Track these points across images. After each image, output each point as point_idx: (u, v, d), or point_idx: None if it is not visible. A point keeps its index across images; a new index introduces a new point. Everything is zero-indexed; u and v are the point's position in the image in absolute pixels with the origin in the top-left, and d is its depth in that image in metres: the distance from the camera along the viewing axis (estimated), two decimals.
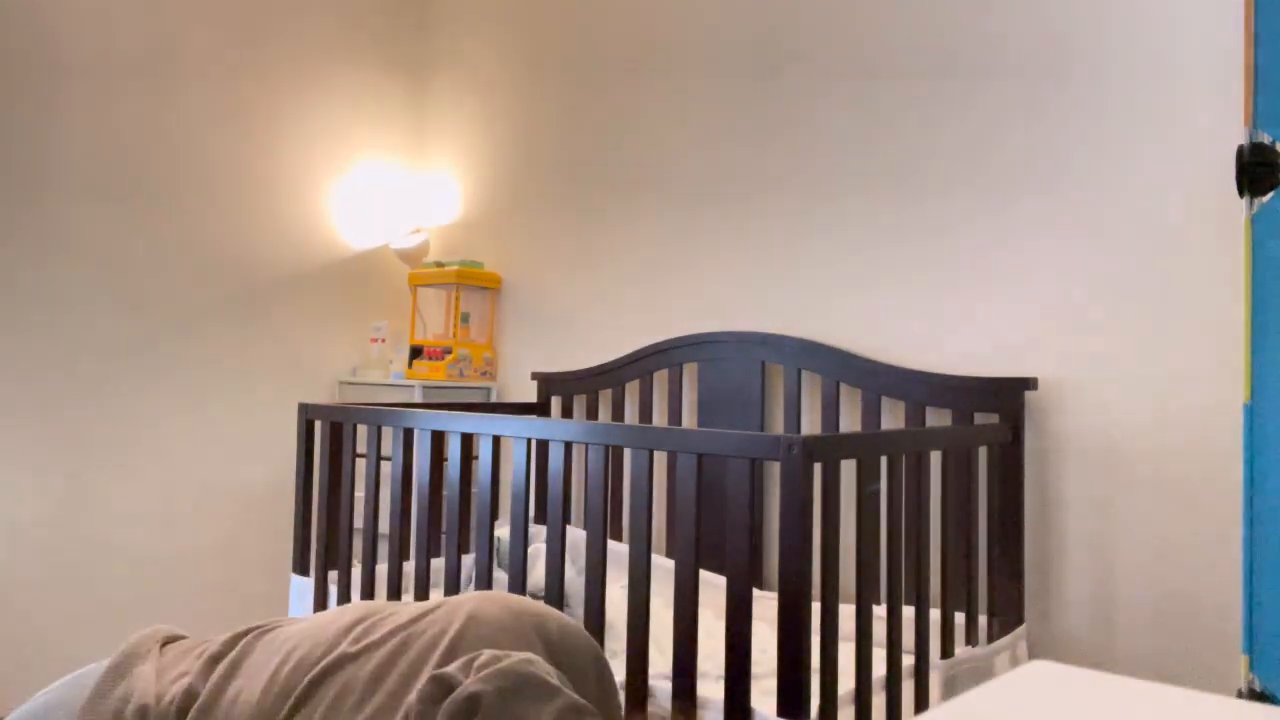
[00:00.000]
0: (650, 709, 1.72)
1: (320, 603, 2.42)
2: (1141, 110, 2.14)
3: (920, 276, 2.45)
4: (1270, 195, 1.23)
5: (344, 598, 2.33)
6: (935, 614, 2.22)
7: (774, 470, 2.64)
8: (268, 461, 3.28)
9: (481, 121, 3.58)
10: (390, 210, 3.69)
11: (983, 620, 2.21)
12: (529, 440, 1.93)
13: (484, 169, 3.56)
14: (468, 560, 2.63)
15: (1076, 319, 2.20)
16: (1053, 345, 2.23)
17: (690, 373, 2.90)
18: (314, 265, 3.42)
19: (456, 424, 2.08)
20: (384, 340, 3.52)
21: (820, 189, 2.64)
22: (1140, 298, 2.12)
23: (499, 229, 3.49)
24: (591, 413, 3.05)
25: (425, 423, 2.16)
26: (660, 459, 2.95)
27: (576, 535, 2.49)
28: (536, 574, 2.35)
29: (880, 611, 2.25)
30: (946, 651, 1.95)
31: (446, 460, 2.69)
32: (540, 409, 3.16)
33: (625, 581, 2.67)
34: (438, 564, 2.67)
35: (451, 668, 1.20)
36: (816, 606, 2.36)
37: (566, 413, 3.13)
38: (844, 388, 2.58)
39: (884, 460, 1.82)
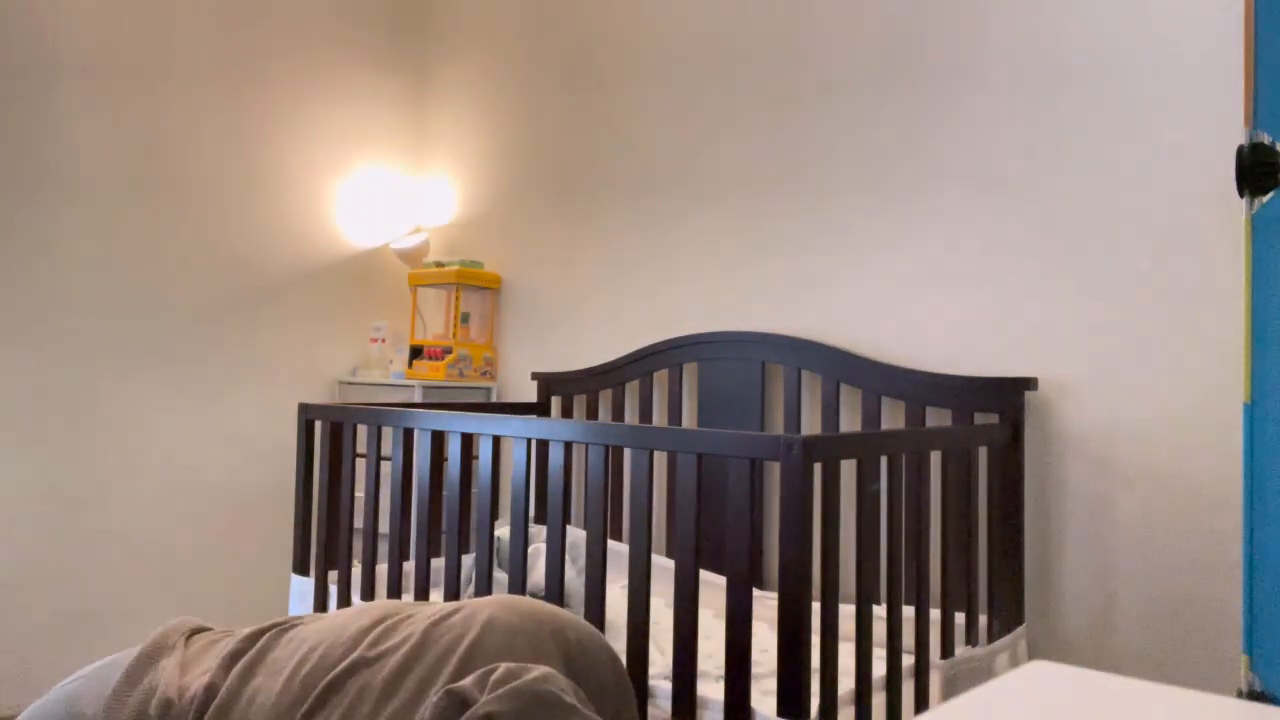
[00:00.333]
0: (650, 709, 1.72)
1: (320, 603, 2.42)
2: (1141, 110, 2.14)
3: (920, 276, 2.45)
4: (1270, 195, 1.23)
5: (344, 598, 2.33)
6: (935, 614, 2.22)
7: (774, 470, 2.64)
8: (268, 461, 3.28)
9: (481, 122, 3.58)
10: (390, 210, 3.69)
11: (983, 620, 2.21)
12: (529, 440, 1.93)
13: (483, 169, 3.56)
14: (468, 560, 2.63)
15: (1076, 319, 2.20)
16: (1053, 345, 2.23)
17: (690, 373, 2.90)
18: (314, 265, 3.42)
19: (456, 424, 2.08)
20: (384, 340, 3.52)
21: (820, 189, 2.64)
22: (1140, 298, 2.12)
23: (499, 229, 3.49)
24: (591, 413, 3.05)
25: (425, 423, 2.16)
26: (660, 459, 2.95)
27: (576, 535, 2.49)
28: (536, 574, 2.35)
29: (880, 611, 2.25)
30: (946, 651, 1.95)
31: (446, 460, 2.69)
32: (540, 409, 3.16)
33: (625, 581, 2.67)
34: (438, 564, 2.67)
35: (467, 682, 1.19)
36: (816, 606, 2.36)
37: (566, 413, 3.13)
38: (844, 388, 2.58)
39: (884, 460, 1.82)
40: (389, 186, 3.68)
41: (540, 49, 3.40)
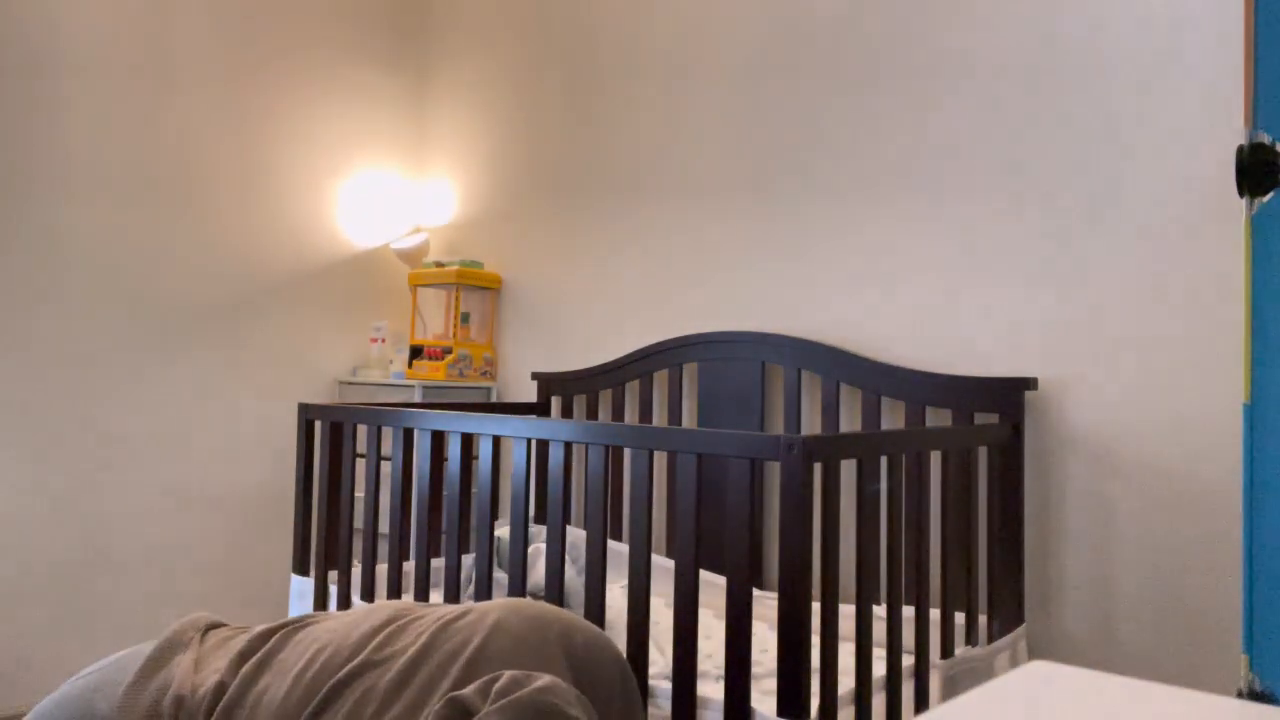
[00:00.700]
0: (650, 709, 1.72)
1: (320, 603, 2.42)
2: (1141, 110, 2.14)
3: (921, 276, 2.45)
4: (1270, 195, 1.23)
5: (344, 598, 2.33)
6: (935, 614, 2.22)
7: (774, 470, 2.64)
8: (268, 461, 3.28)
9: (481, 122, 3.58)
10: (390, 210, 3.69)
11: (983, 620, 2.21)
12: (529, 440, 1.93)
13: (483, 169, 3.56)
14: (468, 560, 2.63)
15: (1076, 319, 2.20)
16: (1053, 345, 2.23)
17: (690, 373, 2.90)
18: (314, 265, 3.42)
19: (456, 424, 2.08)
20: (384, 340, 3.52)
21: (820, 189, 2.64)
22: (1140, 298, 2.12)
23: (499, 229, 3.49)
24: (591, 413, 3.05)
25: (425, 423, 2.16)
26: (660, 459, 2.95)
27: (576, 535, 2.49)
28: (536, 574, 2.35)
29: (880, 611, 2.25)
30: (946, 651, 1.95)
31: (446, 460, 2.69)
32: (540, 409, 3.16)
33: (625, 581, 2.67)
34: (438, 564, 2.67)
35: (469, 690, 1.19)
36: (816, 606, 2.36)
37: (566, 413, 3.13)
38: (844, 388, 2.58)
39: (884, 460, 1.82)
40: (389, 186, 3.68)
41: (540, 50, 3.40)
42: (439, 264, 3.39)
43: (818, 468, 2.08)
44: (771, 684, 1.94)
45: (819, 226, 2.64)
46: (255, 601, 3.24)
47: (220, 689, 1.35)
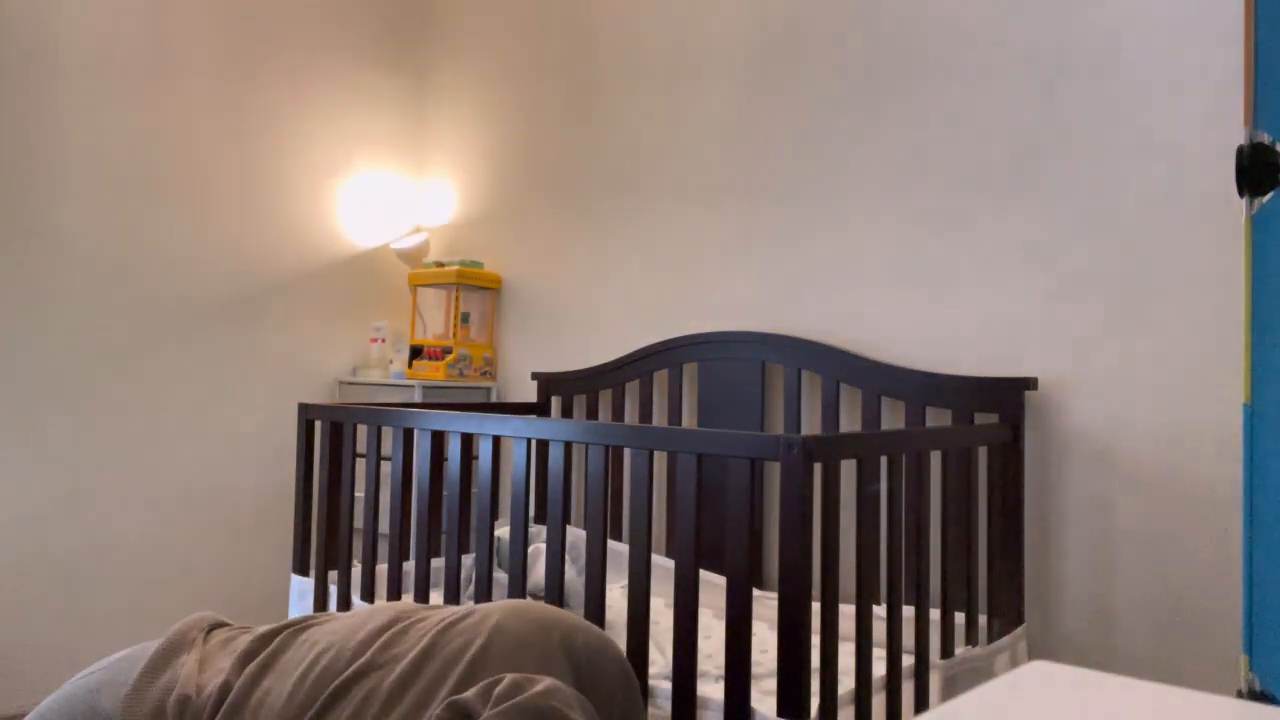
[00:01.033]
0: (650, 709, 1.72)
1: (320, 603, 2.42)
2: (1142, 110, 2.14)
3: (921, 276, 2.45)
4: (1270, 195, 1.23)
5: (344, 598, 2.33)
6: (935, 614, 2.22)
7: (774, 470, 2.64)
8: (268, 461, 3.28)
9: (481, 122, 3.58)
10: (390, 210, 3.69)
11: (983, 620, 2.21)
12: (529, 440, 1.93)
13: (483, 169, 3.56)
14: (468, 560, 2.63)
15: (1076, 319, 2.20)
16: (1053, 345, 2.23)
17: (690, 373, 2.90)
18: (314, 265, 3.42)
19: (456, 424, 2.08)
20: (384, 340, 3.52)
21: (820, 189, 2.64)
22: (1140, 298, 2.12)
23: (499, 229, 3.49)
24: (591, 413, 3.05)
25: (425, 423, 2.16)
26: (660, 459, 2.95)
27: (576, 535, 2.49)
28: (536, 574, 2.35)
29: (880, 611, 2.25)
30: (946, 651, 1.95)
31: (446, 460, 2.69)
32: (540, 409, 3.16)
33: (625, 581, 2.67)
34: (438, 564, 2.67)
35: (470, 694, 1.19)
36: (816, 606, 2.36)
37: (566, 413, 3.13)
38: (844, 388, 2.58)
39: (884, 460, 1.82)
40: (389, 186, 3.68)
41: (540, 51, 3.40)
42: (439, 264, 3.39)
43: (818, 468, 2.08)
44: (771, 684, 1.94)
45: (819, 226, 2.64)
46: (255, 601, 3.24)
47: (224, 689, 1.35)
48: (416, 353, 3.39)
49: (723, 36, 2.88)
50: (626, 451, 2.93)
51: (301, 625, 1.48)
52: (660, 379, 2.98)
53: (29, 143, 2.74)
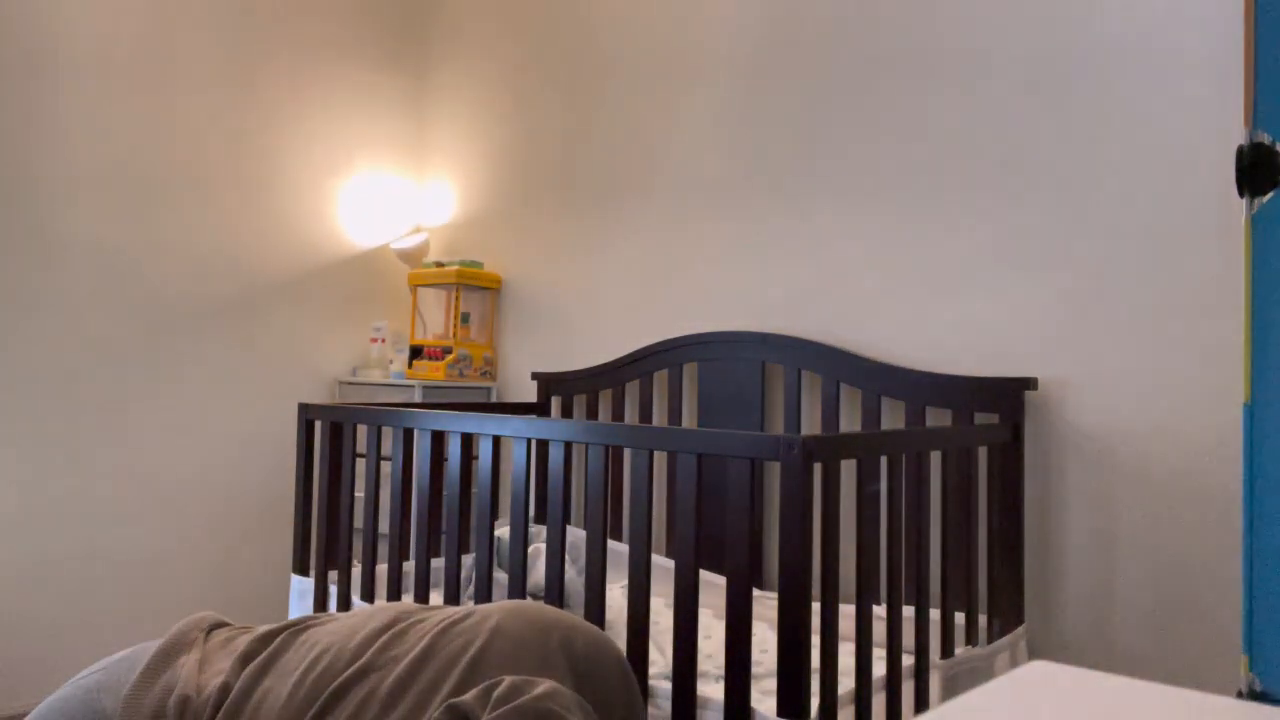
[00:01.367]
0: (650, 709, 1.72)
1: (320, 603, 2.42)
2: (1142, 110, 2.14)
3: (921, 276, 2.45)
4: (1270, 195, 1.23)
5: (344, 598, 2.33)
6: (935, 614, 2.22)
7: (774, 470, 2.64)
8: (268, 461, 3.28)
9: (481, 122, 3.58)
10: (390, 210, 3.69)
11: (983, 620, 2.21)
12: (529, 440, 1.93)
13: (483, 169, 3.56)
14: (468, 560, 2.63)
15: (1076, 319, 2.20)
16: (1053, 345, 2.23)
17: (690, 373, 2.90)
18: (314, 265, 3.42)
19: (456, 424, 2.08)
20: (384, 340, 3.52)
21: (820, 188, 2.64)
22: (1140, 298, 2.12)
23: (499, 229, 3.49)
24: (591, 413, 3.05)
25: (425, 423, 2.16)
26: (660, 459, 2.95)
27: (576, 535, 2.49)
28: (536, 574, 2.35)
29: (880, 611, 2.25)
30: (946, 651, 1.95)
31: (446, 460, 2.69)
32: (540, 409, 3.16)
33: (625, 581, 2.67)
34: (438, 564, 2.67)
35: (469, 696, 1.19)
36: (816, 606, 2.36)
37: (566, 413, 3.13)
38: (844, 388, 2.58)
39: (884, 460, 1.82)
40: (389, 186, 3.68)
41: (540, 51, 3.40)
42: (439, 264, 3.40)
43: (818, 468, 2.08)
44: (771, 684, 1.94)
45: (819, 226, 2.64)
46: (255, 601, 3.24)
47: (224, 690, 1.35)
48: (416, 353, 3.39)
49: (722, 37, 2.88)
50: (626, 451, 2.93)
51: (301, 626, 1.48)
52: (660, 379, 2.98)
53: (29, 143, 2.74)
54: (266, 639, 1.44)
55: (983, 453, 2.28)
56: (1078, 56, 2.23)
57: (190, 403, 3.08)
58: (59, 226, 2.80)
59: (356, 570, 2.60)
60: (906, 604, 2.25)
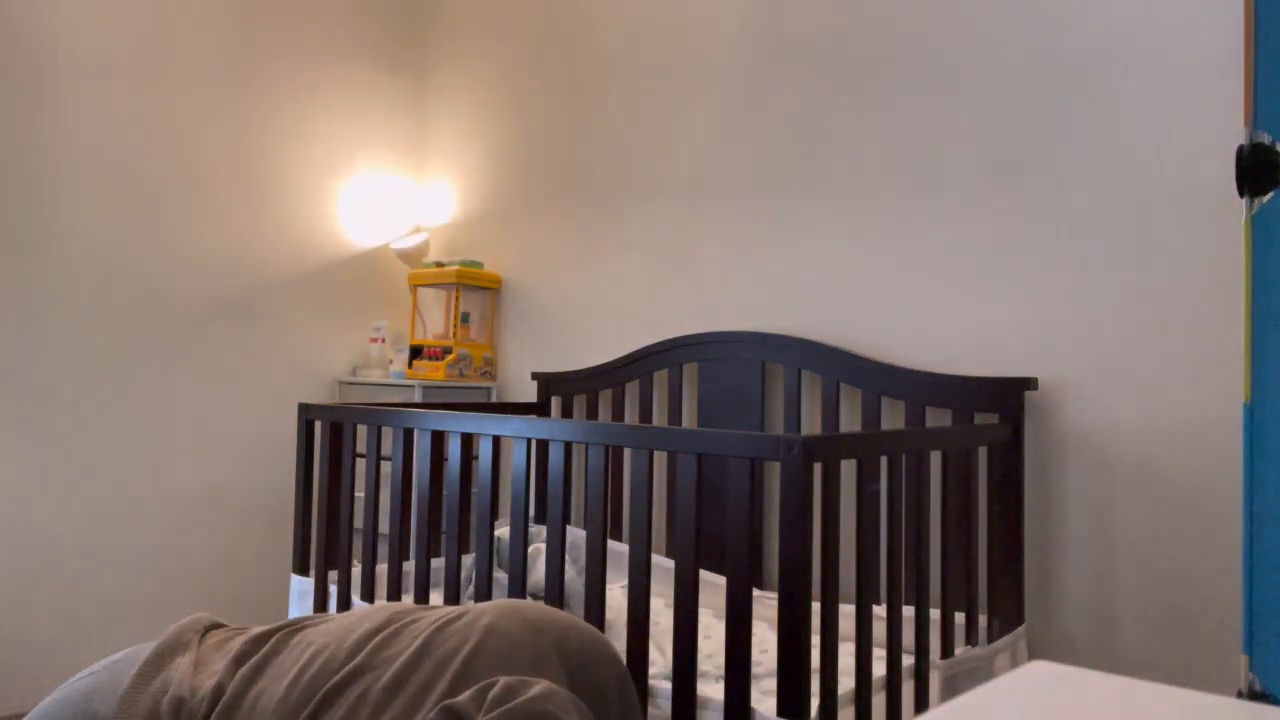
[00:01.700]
0: (650, 709, 1.72)
1: (320, 603, 2.42)
2: (1141, 110, 2.14)
3: (921, 276, 2.45)
4: (1270, 195, 1.23)
5: (344, 598, 2.33)
6: (935, 614, 2.22)
7: (774, 470, 2.64)
8: (267, 461, 3.28)
9: (481, 121, 3.58)
10: (390, 210, 3.69)
11: (983, 620, 2.21)
12: (529, 440, 1.93)
13: (483, 169, 3.56)
14: (468, 560, 2.63)
15: (1076, 319, 2.20)
16: (1053, 345, 2.23)
17: (690, 373, 2.90)
18: (314, 265, 3.42)
19: (456, 424, 2.08)
20: (384, 340, 3.52)
21: (820, 188, 2.64)
22: (1140, 298, 2.12)
23: (499, 229, 3.49)
24: (591, 413, 3.05)
25: (425, 423, 2.16)
26: (660, 459, 2.95)
27: (576, 535, 2.49)
28: (536, 574, 2.35)
29: (880, 611, 2.25)
30: (946, 651, 1.95)
31: (446, 460, 2.69)
32: (540, 409, 3.16)
33: (625, 581, 2.67)
34: (438, 564, 2.67)
35: (463, 698, 1.18)
36: (816, 606, 2.36)
37: (566, 413, 3.13)
38: (844, 388, 2.58)
39: (884, 460, 1.82)
40: (389, 186, 3.68)
41: (540, 50, 3.40)
42: (439, 264, 3.39)
43: (818, 468, 2.08)
44: (771, 684, 1.94)
45: (819, 226, 2.64)
46: (255, 601, 3.24)
47: (219, 691, 1.35)
48: (416, 353, 3.39)
49: (722, 37, 2.88)
50: (626, 451, 2.93)
51: (296, 626, 1.48)
52: (660, 379, 2.98)
53: (29, 143, 2.74)
54: (261, 640, 1.44)
55: (983, 453, 2.28)
56: (1079, 56, 2.23)
57: (190, 403, 3.08)
58: (59, 226, 2.80)
59: (356, 570, 2.60)
60: (906, 604, 2.25)
